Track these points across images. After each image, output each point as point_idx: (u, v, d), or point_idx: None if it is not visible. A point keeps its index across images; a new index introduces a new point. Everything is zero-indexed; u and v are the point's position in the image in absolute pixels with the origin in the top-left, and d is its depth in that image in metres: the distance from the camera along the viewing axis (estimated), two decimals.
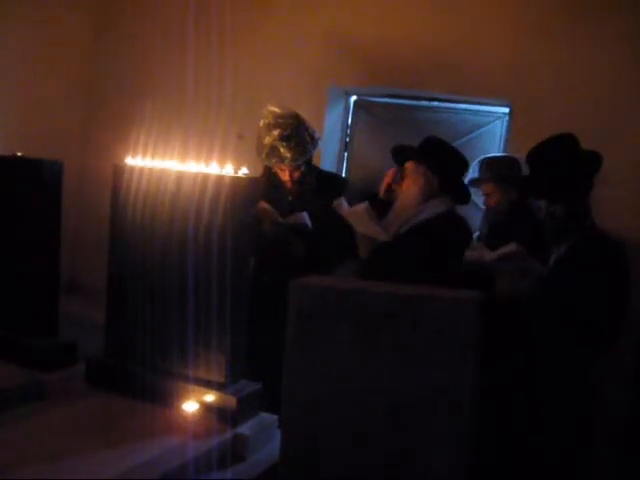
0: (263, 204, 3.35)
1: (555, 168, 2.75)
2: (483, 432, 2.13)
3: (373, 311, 1.99)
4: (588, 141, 2.90)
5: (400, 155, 3.15)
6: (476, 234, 3.60)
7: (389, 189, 3.13)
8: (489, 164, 3.42)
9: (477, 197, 3.90)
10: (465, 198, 3.12)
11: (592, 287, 2.64)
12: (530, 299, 2.73)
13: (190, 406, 2.36)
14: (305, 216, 3.32)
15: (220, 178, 2.35)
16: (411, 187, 3.02)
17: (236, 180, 2.37)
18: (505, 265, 2.74)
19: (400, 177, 3.11)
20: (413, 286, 2.09)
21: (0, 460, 2.00)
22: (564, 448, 2.76)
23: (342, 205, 3.07)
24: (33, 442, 2.14)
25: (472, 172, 3.48)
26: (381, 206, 3.10)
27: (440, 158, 3.01)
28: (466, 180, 3.52)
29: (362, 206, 3.04)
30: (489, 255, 2.82)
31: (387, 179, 3.12)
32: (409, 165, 3.06)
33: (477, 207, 3.94)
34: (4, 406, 2.34)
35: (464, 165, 3.11)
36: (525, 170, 3.24)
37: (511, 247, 2.74)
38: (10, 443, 2.12)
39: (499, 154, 3.77)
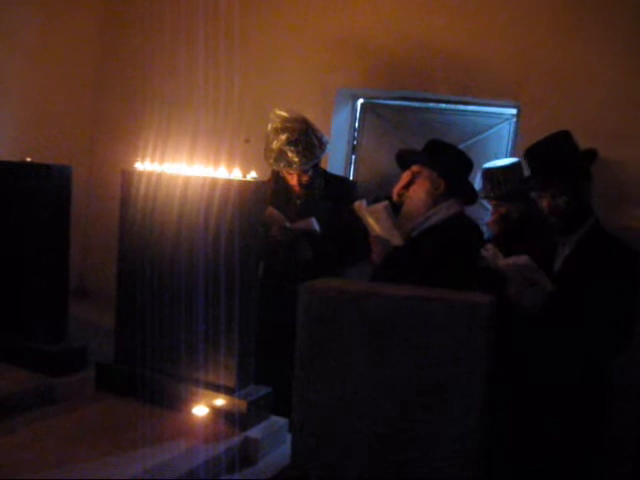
0: (271, 209, 3.35)
1: (555, 161, 2.77)
2: (494, 430, 2.13)
3: (383, 313, 1.99)
4: (597, 142, 2.89)
5: (405, 160, 3.14)
6: (487, 235, 3.57)
7: (402, 193, 3.10)
8: (497, 181, 3.31)
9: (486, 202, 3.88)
10: (473, 198, 3.11)
11: (605, 288, 2.64)
12: (539, 310, 2.73)
13: (200, 410, 2.36)
14: (313, 221, 3.32)
15: (228, 182, 2.36)
16: (418, 191, 3.00)
17: (244, 184, 2.37)
18: (514, 273, 2.73)
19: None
20: (424, 288, 2.08)
21: (12, 463, 2.02)
22: (575, 444, 2.76)
23: (362, 205, 3.03)
24: (43, 445, 2.15)
25: (480, 186, 3.39)
26: (396, 210, 3.08)
27: (445, 160, 2.99)
28: (475, 188, 3.48)
29: (382, 205, 3.01)
30: (501, 261, 2.81)
31: (401, 183, 3.09)
32: (415, 169, 3.04)
33: (485, 208, 3.93)
34: (15, 410, 2.36)
35: (469, 166, 3.08)
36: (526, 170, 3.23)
37: (522, 259, 2.73)
38: (21, 446, 2.14)
39: (502, 165, 3.62)
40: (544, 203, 2.77)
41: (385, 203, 3.00)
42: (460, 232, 2.92)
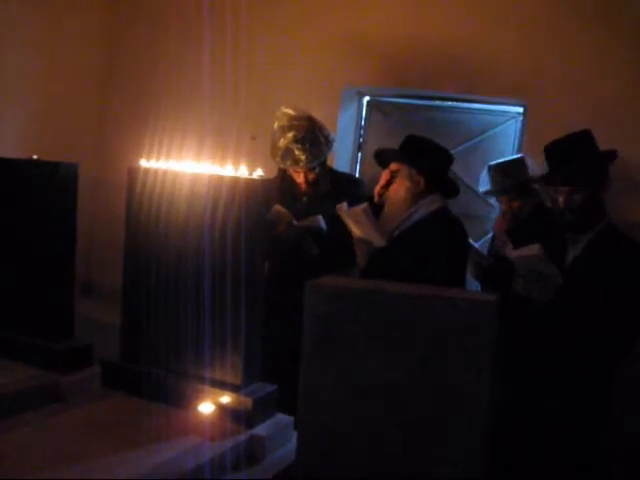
0: (277, 207, 3.35)
1: (576, 158, 2.75)
2: (501, 432, 2.12)
3: (389, 311, 1.98)
4: (603, 141, 2.88)
5: (383, 158, 3.11)
6: (490, 235, 3.57)
7: (383, 193, 3.07)
8: (503, 173, 3.33)
9: (492, 199, 3.88)
10: (454, 192, 3.07)
11: (613, 290, 2.62)
12: (547, 304, 2.71)
13: (206, 408, 2.36)
14: (320, 218, 3.32)
15: (235, 180, 2.35)
16: (398, 190, 2.97)
17: (251, 182, 2.37)
18: (524, 264, 2.71)
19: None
20: (430, 287, 2.08)
21: (18, 460, 2.02)
22: (581, 450, 2.75)
23: (342, 208, 3.03)
24: (50, 443, 2.15)
25: (484, 184, 3.40)
26: (378, 210, 3.06)
27: (423, 156, 2.95)
28: (480, 191, 3.47)
29: (360, 207, 2.99)
30: (511, 252, 2.80)
31: (381, 183, 3.07)
32: (393, 167, 3.01)
33: (490, 205, 3.92)
34: (21, 408, 2.36)
35: (448, 160, 3.05)
36: (532, 168, 3.22)
37: (533, 249, 2.71)
38: (28, 444, 2.14)
39: (506, 160, 3.64)
40: (560, 198, 2.74)
41: (364, 205, 2.97)
42: (443, 227, 2.90)
